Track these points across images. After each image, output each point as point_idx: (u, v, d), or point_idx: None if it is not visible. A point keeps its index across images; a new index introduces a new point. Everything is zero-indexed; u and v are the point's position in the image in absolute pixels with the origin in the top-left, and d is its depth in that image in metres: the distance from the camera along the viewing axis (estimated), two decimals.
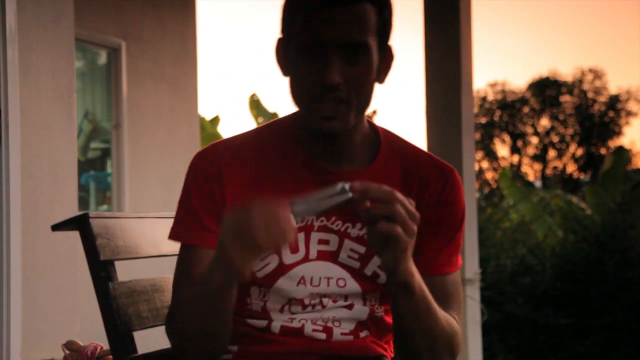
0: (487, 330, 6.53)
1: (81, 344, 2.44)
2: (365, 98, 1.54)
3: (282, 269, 1.58)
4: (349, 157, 1.60)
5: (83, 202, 5.66)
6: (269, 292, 1.59)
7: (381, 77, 1.58)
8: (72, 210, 3.24)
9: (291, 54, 1.53)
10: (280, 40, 1.58)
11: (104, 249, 1.69)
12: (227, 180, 1.57)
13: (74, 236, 1.72)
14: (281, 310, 1.60)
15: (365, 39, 1.49)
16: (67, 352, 2.43)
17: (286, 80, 1.57)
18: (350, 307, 1.61)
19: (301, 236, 1.58)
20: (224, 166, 1.58)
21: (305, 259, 1.59)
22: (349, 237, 1.59)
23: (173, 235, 1.61)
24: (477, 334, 5.23)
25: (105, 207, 5.96)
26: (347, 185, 1.36)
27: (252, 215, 1.31)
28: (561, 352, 7.10)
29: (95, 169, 6.08)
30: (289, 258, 1.58)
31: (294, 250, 1.58)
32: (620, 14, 49.68)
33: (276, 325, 1.59)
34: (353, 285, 1.59)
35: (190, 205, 1.58)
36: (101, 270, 1.66)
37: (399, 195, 1.36)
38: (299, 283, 1.58)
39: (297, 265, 1.58)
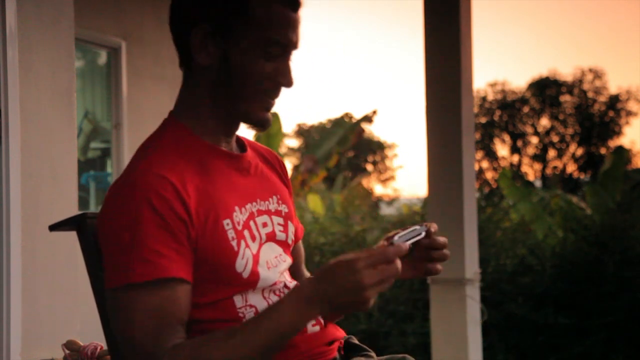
0: (487, 330, 6.53)
1: (81, 343, 2.44)
2: None
3: (255, 259, 1.59)
4: (238, 143, 1.70)
5: (83, 202, 5.65)
6: (249, 294, 1.57)
7: None
8: (72, 210, 3.24)
9: (244, 49, 1.56)
10: (207, 31, 1.56)
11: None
12: (185, 194, 1.51)
13: (74, 236, 1.72)
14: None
15: None
16: (67, 352, 2.43)
17: (208, 67, 1.57)
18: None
19: (252, 223, 1.61)
20: (177, 182, 1.51)
21: (261, 243, 1.62)
22: (271, 213, 1.66)
23: (133, 276, 1.45)
24: (477, 334, 5.23)
25: None
26: (424, 226, 1.59)
27: (393, 267, 1.39)
28: (561, 352, 7.09)
29: (95, 169, 6.08)
30: (254, 247, 1.59)
31: (253, 238, 1.60)
32: (620, 14, 49.70)
33: None
34: (288, 259, 1.69)
35: (152, 238, 1.46)
36: (99, 270, 1.66)
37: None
38: (269, 267, 1.61)
39: (259, 251, 1.60)
